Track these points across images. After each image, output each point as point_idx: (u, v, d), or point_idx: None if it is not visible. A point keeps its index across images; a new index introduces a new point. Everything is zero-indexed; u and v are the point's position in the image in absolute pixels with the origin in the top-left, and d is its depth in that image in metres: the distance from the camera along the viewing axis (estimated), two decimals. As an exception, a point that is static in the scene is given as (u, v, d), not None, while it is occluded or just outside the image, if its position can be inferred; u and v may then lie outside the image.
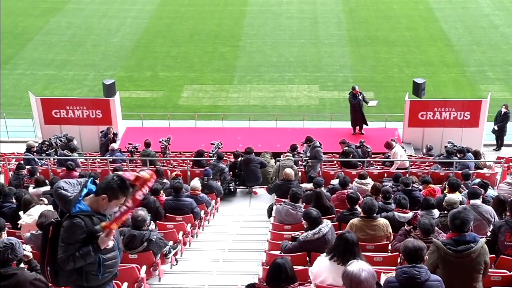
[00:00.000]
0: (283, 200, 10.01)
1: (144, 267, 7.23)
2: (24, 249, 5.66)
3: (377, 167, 15.12)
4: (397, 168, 14.30)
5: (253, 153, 14.25)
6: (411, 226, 7.65)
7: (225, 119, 21.73)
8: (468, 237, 5.79)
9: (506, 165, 14.49)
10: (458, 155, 14.37)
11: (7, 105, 23.27)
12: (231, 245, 9.82)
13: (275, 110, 23.37)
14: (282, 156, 14.27)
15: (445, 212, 8.30)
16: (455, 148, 14.97)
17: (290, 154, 14.29)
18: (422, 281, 5.13)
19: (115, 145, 16.16)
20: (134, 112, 22.36)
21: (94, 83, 25.56)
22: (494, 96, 21.24)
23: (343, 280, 4.70)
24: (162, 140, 16.25)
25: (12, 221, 8.61)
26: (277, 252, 7.70)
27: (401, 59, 28.22)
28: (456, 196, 9.06)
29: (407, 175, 12.72)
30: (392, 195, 9.55)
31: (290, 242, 7.51)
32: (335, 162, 15.50)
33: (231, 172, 14.25)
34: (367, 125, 19.20)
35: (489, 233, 7.62)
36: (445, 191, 10.09)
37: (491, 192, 10.51)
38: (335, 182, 11.90)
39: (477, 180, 11.02)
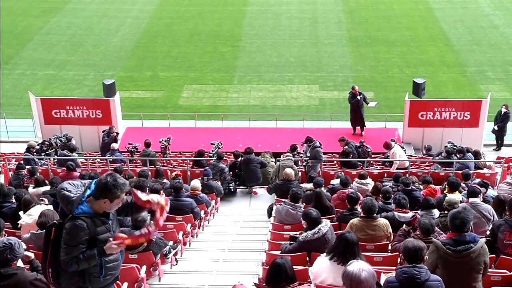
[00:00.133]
0: (283, 200, 10.01)
1: (144, 267, 7.23)
2: (25, 249, 5.66)
3: (377, 167, 15.13)
4: (397, 168, 14.31)
5: (253, 153, 14.25)
6: (410, 227, 7.65)
7: (225, 119, 21.73)
8: (467, 237, 5.79)
9: (506, 165, 14.50)
10: (458, 155, 14.37)
11: (7, 105, 23.27)
12: (231, 245, 9.82)
13: (275, 110, 23.37)
14: (282, 156, 14.28)
15: (445, 212, 8.30)
16: (455, 148, 14.97)
17: (290, 154, 14.29)
18: (422, 281, 5.13)
19: (115, 145, 16.17)
20: (134, 112, 22.36)
21: (94, 83, 25.57)
22: (494, 96, 21.24)
23: (343, 280, 4.70)
24: (162, 140, 16.25)
25: (12, 221, 8.61)
26: (277, 252, 7.70)
27: (401, 59, 28.22)
28: (457, 196, 9.07)
29: (407, 175, 12.73)
30: (392, 195, 9.55)
31: (290, 243, 7.52)
32: (335, 162, 15.50)
33: (231, 172, 14.25)
34: (364, 126, 19.18)
35: (488, 232, 7.63)
36: (445, 191, 10.09)
37: (491, 192, 10.51)
38: (335, 182, 11.91)
39: (477, 180, 11.03)
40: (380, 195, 9.72)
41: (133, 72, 27.26)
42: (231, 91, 25.59)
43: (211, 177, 12.74)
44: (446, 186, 10.26)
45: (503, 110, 18.75)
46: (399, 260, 7.31)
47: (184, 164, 15.16)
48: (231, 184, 13.88)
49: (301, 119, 21.68)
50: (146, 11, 34.92)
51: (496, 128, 18.95)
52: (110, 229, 4.92)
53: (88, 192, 4.85)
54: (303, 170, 14.31)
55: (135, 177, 11.63)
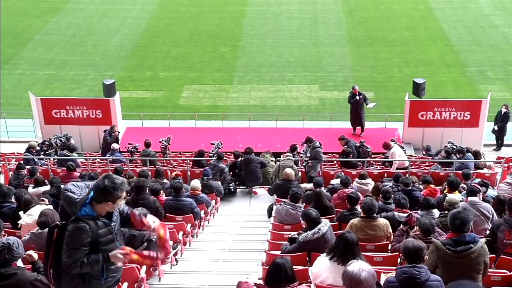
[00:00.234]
0: (283, 200, 10.02)
1: (144, 267, 7.23)
2: (29, 252, 5.66)
3: (377, 167, 15.13)
4: (397, 168, 14.31)
5: (253, 153, 14.26)
6: (408, 226, 7.65)
7: (225, 119, 21.73)
8: (467, 237, 5.79)
9: (506, 165, 14.50)
10: (457, 155, 14.37)
11: (7, 105, 23.27)
12: (231, 245, 9.82)
13: (275, 110, 23.37)
14: (282, 156, 14.28)
15: (446, 212, 8.31)
16: (454, 148, 14.97)
17: (290, 154, 14.29)
18: (422, 281, 5.13)
19: (116, 145, 16.16)
20: (134, 112, 22.36)
21: (94, 83, 25.56)
22: (494, 96, 21.24)
23: (343, 280, 4.71)
24: (162, 140, 16.25)
25: (12, 221, 8.61)
26: (277, 252, 7.70)
27: (401, 59, 28.22)
28: (457, 196, 9.07)
29: (407, 175, 12.73)
30: (392, 195, 9.56)
31: (288, 243, 7.52)
32: (335, 162, 15.51)
33: (231, 172, 14.25)
34: (362, 126, 19.18)
35: (488, 232, 7.64)
36: (445, 191, 10.10)
37: (491, 192, 10.52)
38: (334, 182, 11.92)
39: (477, 180, 11.03)
40: (380, 195, 9.73)
41: (133, 72, 27.26)
42: (231, 91, 25.59)
43: (211, 177, 12.74)
44: (446, 186, 10.27)
45: (503, 110, 18.75)
46: (399, 260, 7.31)
47: (184, 164, 15.16)
48: (231, 184, 13.88)
49: (301, 119, 21.68)
50: (146, 11, 34.92)
51: (496, 128, 18.95)
52: (112, 231, 4.89)
53: (92, 194, 4.84)
54: (303, 170, 14.31)
55: (135, 177, 11.63)
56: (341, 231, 7.34)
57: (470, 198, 8.57)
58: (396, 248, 7.37)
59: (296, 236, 7.45)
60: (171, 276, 8.10)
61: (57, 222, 4.98)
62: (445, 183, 10.77)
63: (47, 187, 10.73)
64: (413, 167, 14.72)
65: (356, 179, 11.95)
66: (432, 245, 5.92)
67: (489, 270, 6.04)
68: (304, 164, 14.52)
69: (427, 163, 15.32)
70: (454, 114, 18.38)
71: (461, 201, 8.85)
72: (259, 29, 32.18)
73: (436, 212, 8.70)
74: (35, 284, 5.19)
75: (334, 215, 9.36)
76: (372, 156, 16.03)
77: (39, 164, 15.03)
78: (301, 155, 15.09)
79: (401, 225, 7.81)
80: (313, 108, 23.92)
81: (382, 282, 5.59)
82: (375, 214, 7.93)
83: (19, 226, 8.08)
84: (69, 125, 18.55)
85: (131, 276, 6.89)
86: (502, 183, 11.93)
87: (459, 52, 28.82)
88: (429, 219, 7.13)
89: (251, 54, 29.15)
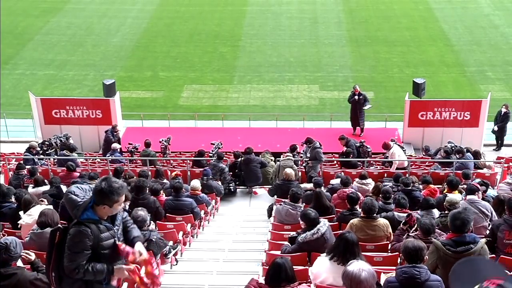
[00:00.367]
0: (283, 200, 10.02)
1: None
2: (25, 252, 5.66)
3: (377, 167, 15.13)
4: (397, 168, 14.31)
5: (253, 153, 14.26)
6: (408, 225, 7.65)
7: (225, 119, 21.72)
8: (467, 238, 5.79)
9: (506, 165, 14.50)
10: (457, 155, 14.37)
11: (7, 105, 23.26)
12: (231, 245, 9.82)
13: (275, 110, 23.37)
14: (282, 156, 14.28)
15: (446, 212, 8.31)
16: (453, 148, 14.97)
17: (290, 154, 14.30)
18: (422, 281, 5.13)
19: (117, 145, 16.15)
20: (134, 112, 22.35)
21: (94, 83, 25.56)
22: (494, 96, 21.23)
23: (343, 280, 4.70)
24: (162, 140, 16.25)
25: (12, 221, 8.61)
26: (277, 252, 7.71)
27: (401, 59, 28.22)
28: (457, 196, 9.07)
29: (407, 175, 12.73)
30: (392, 195, 9.56)
31: (288, 244, 7.52)
32: (335, 162, 15.51)
33: (231, 172, 14.25)
34: (361, 126, 19.18)
35: (487, 231, 7.64)
36: (444, 191, 10.10)
37: (491, 192, 10.52)
38: (334, 182, 11.92)
39: (477, 180, 11.03)
40: (380, 195, 9.73)
41: (133, 72, 27.26)
42: (231, 91, 25.58)
43: (211, 177, 12.74)
44: (446, 186, 10.28)
45: (503, 110, 18.74)
46: (399, 260, 7.31)
47: (184, 164, 15.16)
48: (231, 184, 13.88)
49: (301, 119, 21.68)
50: (146, 11, 34.91)
51: (496, 128, 18.94)
52: (115, 235, 4.84)
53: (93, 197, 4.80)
54: (303, 170, 14.31)
55: (135, 177, 11.64)
56: (341, 231, 7.34)
57: (469, 197, 8.61)
58: (396, 247, 7.37)
59: (296, 235, 7.45)
60: (171, 276, 8.11)
61: (59, 225, 4.95)
62: (445, 183, 10.77)
63: (47, 187, 10.73)
64: (413, 167, 14.72)
65: (357, 179, 11.95)
66: (432, 245, 5.92)
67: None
68: (304, 164, 14.52)
69: (427, 163, 15.32)
70: (454, 114, 18.38)
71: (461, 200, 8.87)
72: (259, 29, 32.18)
73: (436, 212, 8.70)
74: (35, 283, 5.20)
75: (334, 215, 9.36)
76: (372, 156, 16.03)
77: (39, 164, 15.02)
78: (301, 155, 15.10)
79: (401, 225, 7.80)
80: (313, 108, 23.92)
81: (382, 282, 5.59)
82: (375, 214, 7.93)
83: (19, 226, 8.08)
84: (69, 125, 18.55)
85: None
86: (502, 183, 11.94)
87: (459, 52, 28.82)
88: (430, 219, 7.13)
89: (251, 54, 29.15)
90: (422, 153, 17.36)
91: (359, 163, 14.88)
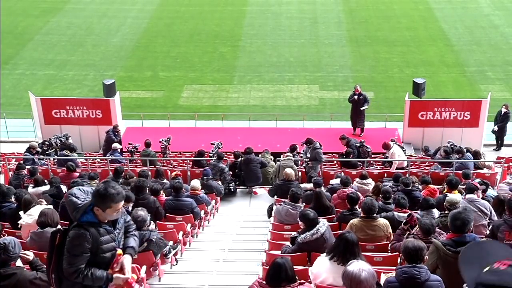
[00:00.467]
0: (283, 200, 10.01)
1: (144, 267, 7.23)
2: (23, 252, 5.65)
3: (377, 167, 15.13)
4: (397, 168, 14.31)
5: (253, 153, 14.26)
6: (408, 225, 7.64)
7: (225, 119, 21.72)
8: (468, 238, 5.79)
9: (506, 165, 14.50)
10: (456, 155, 14.37)
11: (7, 105, 23.26)
12: (231, 245, 9.82)
13: (275, 110, 23.37)
14: (282, 156, 14.27)
15: (446, 212, 8.31)
16: (452, 148, 14.96)
17: (291, 154, 14.30)
18: (422, 281, 5.13)
19: (117, 145, 16.15)
20: (134, 112, 22.35)
21: (94, 83, 25.56)
22: (494, 96, 21.23)
23: (343, 280, 4.70)
24: (162, 140, 16.25)
25: (12, 221, 8.60)
26: (277, 252, 7.71)
27: (401, 59, 28.22)
28: (458, 196, 9.08)
29: (407, 175, 12.72)
30: (392, 195, 9.56)
31: (289, 245, 7.51)
32: (335, 162, 15.51)
33: (231, 172, 14.25)
34: (359, 126, 19.18)
35: (487, 231, 7.64)
36: (444, 191, 10.10)
37: (491, 192, 10.53)
38: (334, 182, 11.92)
39: (477, 180, 11.03)
40: (380, 195, 9.73)
41: (133, 72, 27.26)
42: (231, 91, 25.58)
43: (210, 177, 12.74)
44: (445, 186, 10.28)
45: (503, 110, 18.74)
46: (399, 260, 7.31)
47: (184, 164, 15.16)
48: (231, 184, 13.88)
49: (301, 119, 21.68)
50: (146, 11, 34.91)
51: (496, 128, 18.94)
52: (115, 239, 4.80)
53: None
54: (303, 170, 14.31)
55: (135, 177, 11.64)
56: (341, 231, 7.34)
57: (468, 196, 8.64)
58: (396, 247, 7.36)
59: (297, 235, 7.45)
60: (171, 276, 8.10)
61: (60, 227, 4.94)
62: (445, 183, 10.78)
63: (46, 187, 10.73)
64: (413, 167, 14.72)
65: (357, 179, 11.95)
66: (432, 245, 5.92)
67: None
68: (304, 165, 14.51)
69: (427, 163, 15.32)
70: (454, 114, 18.38)
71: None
72: (259, 29, 32.18)
73: (436, 212, 8.70)
74: (35, 283, 5.20)
75: (334, 215, 9.36)
76: (372, 156, 16.03)
77: (39, 164, 15.02)
78: (301, 155, 15.10)
79: (402, 224, 7.79)
80: (313, 108, 23.92)
81: (382, 282, 5.59)
82: (375, 214, 7.93)
83: (19, 226, 8.08)
84: (69, 125, 18.54)
85: (131, 276, 6.88)
86: (502, 183, 11.95)
87: (459, 52, 28.82)
88: (430, 219, 7.13)
89: (251, 54, 29.15)
90: (422, 153, 17.35)
91: (359, 163, 14.88)
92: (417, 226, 7.26)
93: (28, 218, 7.81)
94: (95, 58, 28.60)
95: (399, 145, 15.67)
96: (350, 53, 28.99)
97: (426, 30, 31.65)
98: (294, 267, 5.52)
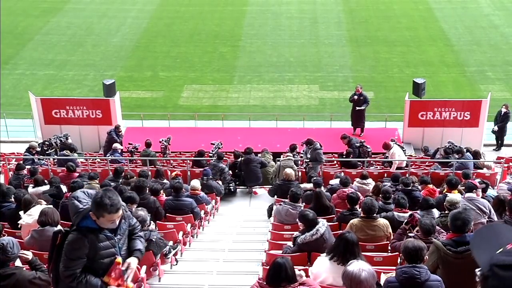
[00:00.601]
0: (283, 200, 10.01)
1: (144, 267, 7.22)
2: (22, 252, 5.64)
3: (377, 167, 15.13)
4: (396, 168, 14.31)
5: (253, 153, 14.25)
6: (409, 225, 7.64)
7: (225, 119, 21.72)
8: (468, 237, 5.78)
9: (506, 165, 14.49)
10: (456, 156, 14.37)
11: (7, 105, 23.26)
12: (231, 245, 9.82)
13: (275, 110, 23.37)
14: (282, 156, 14.27)
15: (446, 212, 8.31)
16: (451, 148, 14.96)
17: (291, 154, 14.30)
18: (422, 281, 5.12)
19: (118, 145, 16.14)
20: (134, 112, 22.35)
21: (94, 83, 25.56)
22: (494, 96, 21.23)
23: (343, 280, 4.70)
24: (162, 140, 16.25)
25: (11, 221, 8.59)
26: (277, 252, 7.71)
27: (401, 59, 28.22)
28: (458, 196, 9.07)
29: (407, 175, 12.72)
30: (392, 195, 9.55)
31: (290, 245, 7.50)
32: (335, 162, 15.50)
33: (231, 172, 14.25)
34: (359, 127, 19.17)
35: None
36: (444, 191, 10.10)
37: (491, 192, 10.52)
38: (333, 182, 11.92)
39: (477, 180, 11.03)
40: (380, 195, 9.73)
41: (133, 72, 27.26)
42: (231, 91, 25.58)
43: (210, 177, 12.74)
44: (445, 186, 10.28)
45: (503, 110, 18.74)
46: (399, 260, 7.31)
47: (184, 164, 15.16)
48: (231, 184, 13.88)
49: (301, 119, 21.68)
50: (146, 11, 34.91)
51: (496, 128, 18.94)
52: (115, 245, 4.76)
53: None
54: (304, 170, 14.31)
55: (135, 177, 11.64)
56: (341, 231, 7.33)
57: (467, 194, 8.64)
58: (396, 246, 7.35)
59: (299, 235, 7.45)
60: (171, 276, 8.10)
61: (61, 229, 4.93)
62: (445, 183, 10.78)
63: (46, 187, 10.73)
64: (413, 167, 14.72)
65: (357, 179, 11.95)
66: (432, 245, 5.91)
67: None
68: (304, 165, 14.51)
69: (427, 163, 15.32)
70: (454, 114, 18.38)
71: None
72: (259, 29, 32.18)
73: (436, 212, 8.70)
74: (34, 282, 5.19)
75: (334, 215, 9.36)
76: (372, 156, 16.03)
77: (39, 164, 15.02)
78: (301, 155, 15.09)
79: (403, 224, 7.77)
80: (313, 108, 23.91)
81: (382, 282, 5.58)
82: (375, 214, 7.92)
83: (19, 226, 8.08)
84: (69, 125, 18.54)
85: (131, 276, 6.88)
86: (502, 183, 11.95)
87: (459, 52, 28.82)
88: (430, 220, 7.13)
89: (251, 54, 29.15)
90: (422, 154, 17.35)
91: (359, 163, 14.88)
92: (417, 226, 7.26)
93: (28, 218, 7.81)
94: (95, 58, 28.60)
95: (399, 145, 15.67)
96: (350, 53, 28.99)
97: (426, 30, 31.65)
98: (294, 267, 5.52)
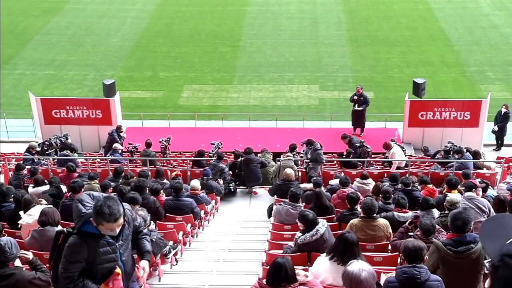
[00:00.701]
0: (283, 200, 10.01)
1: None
2: (22, 252, 5.64)
3: (377, 167, 15.13)
4: (396, 168, 14.31)
5: (253, 153, 14.25)
6: (412, 225, 7.63)
7: (225, 119, 21.72)
8: (468, 237, 5.79)
9: (506, 165, 14.49)
10: (456, 156, 14.37)
11: (7, 105, 23.26)
12: (231, 245, 9.82)
13: (275, 110, 23.36)
14: (282, 156, 14.27)
15: (446, 212, 8.31)
16: (451, 149, 14.95)
17: (291, 154, 14.30)
18: (422, 281, 5.12)
19: (118, 145, 16.13)
20: (134, 112, 22.35)
21: (94, 83, 25.56)
22: (494, 96, 21.22)
23: (343, 280, 4.70)
24: (162, 140, 16.25)
25: (11, 222, 8.58)
26: (277, 252, 7.71)
27: (401, 59, 28.21)
28: (458, 196, 9.08)
29: (407, 175, 12.72)
30: (392, 195, 9.55)
31: (291, 245, 7.50)
32: (335, 162, 15.50)
33: (231, 172, 14.25)
34: (359, 127, 19.18)
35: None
36: (444, 191, 10.10)
37: (491, 192, 10.52)
38: (333, 182, 11.92)
39: (478, 180, 11.03)
40: (380, 195, 9.72)
41: (133, 72, 27.26)
42: (231, 91, 25.58)
43: (210, 177, 12.74)
44: (445, 186, 10.28)
45: (503, 110, 18.74)
46: (399, 260, 7.31)
47: (184, 164, 15.16)
48: (231, 184, 13.88)
49: (301, 119, 21.67)
50: (146, 11, 34.91)
51: (496, 128, 18.94)
52: (116, 251, 4.76)
53: None
54: (304, 170, 14.31)
55: (135, 177, 11.64)
56: (341, 231, 7.33)
57: (467, 193, 8.64)
58: (397, 245, 7.33)
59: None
60: (171, 276, 8.10)
61: (64, 229, 4.94)
62: (444, 183, 10.78)
63: (46, 187, 10.73)
64: (413, 167, 14.72)
65: (357, 179, 11.95)
66: (432, 245, 5.92)
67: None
68: (304, 165, 14.51)
69: (427, 163, 15.32)
70: (454, 114, 18.37)
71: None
72: (259, 29, 32.18)
73: (436, 212, 8.70)
74: (34, 283, 5.19)
75: (334, 215, 9.36)
76: (372, 156, 16.03)
77: (39, 164, 15.01)
78: (301, 155, 15.09)
79: (406, 223, 7.74)
80: (313, 108, 23.91)
81: (382, 282, 5.58)
82: (375, 214, 7.92)
83: (19, 226, 8.08)
84: (69, 125, 18.53)
85: (131, 276, 6.88)
86: (502, 183, 11.94)
87: (459, 52, 28.81)
88: (430, 220, 7.13)
89: (251, 54, 29.15)
90: (421, 154, 17.35)
91: (359, 163, 14.87)
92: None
93: (28, 218, 7.81)
94: (95, 58, 28.60)
95: (399, 145, 15.67)
96: (350, 53, 28.99)
97: (426, 30, 31.65)
98: (294, 267, 5.52)
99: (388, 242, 7.87)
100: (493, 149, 19.14)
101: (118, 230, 4.67)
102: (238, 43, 30.44)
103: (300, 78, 26.61)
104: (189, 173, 14.14)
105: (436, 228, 7.22)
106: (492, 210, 8.40)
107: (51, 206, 8.17)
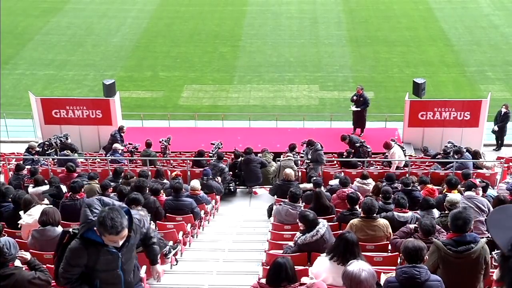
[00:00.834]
0: (283, 200, 10.01)
1: (144, 267, 7.21)
2: (21, 251, 5.64)
3: (377, 167, 15.13)
4: (396, 168, 14.32)
5: (253, 153, 14.25)
6: (415, 227, 7.59)
7: (225, 119, 21.72)
8: (468, 237, 5.78)
9: (506, 165, 14.49)
10: (456, 156, 14.37)
11: (7, 105, 23.26)
12: (231, 245, 9.82)
13: (275, 110, 23.37)
14: (282, 156, 14.27)
15: (446, 212, 8.31)
16: (449, 148, 14.96)
17: (291, 154, 14.30)
18: (422, 281, 5.12)
19: (118, 145, 16.13)
20: (134, 112, 22.35)
21: (94, 83, 25.56)
22: (494, 96, 21.22)
23: (343, 280, 4.70)
24: (162, 140, 16.25)
25: (9, 223, 8.55)
26: (277, 252, 7.70)
27: (401, 59, 28.21)
28: (458, 196, 9.08)
29: (407, 175, 12.72)
30: (392, 195, 9.55)
31: (291, 245, 7.50)
32: (335, 162, 15.50)
33: (231, 172, 14.25)
34: (358, 127, 19.18)
35: (485, 228, 7.66)
36: (444, 191, 10.10)
37: (491, 192, 10.53)
38: (333, 182, 11.91)
39: (477, 180, 11.03)
40: (380, 195, 9.72)
41: (133, 72, 27.26)
42: (231, 91, 25.58)
43: (210, 177, 12.74)
44: (445, 185, 10.28)
45: (503, 110, 18.74)
46: (399, 260, 7.30)
47: (184, 164, 15.16)
48: (231, 184, 13.88)
49: (301, 119, 21.67)
50: (146, 11, 34.92)
51: (496, 128, 18.94)
52: (118, 260, 4.75)
53: None
54: (304, 170, 14.31)
55: (135, 177, 11.63)
56: (341, 231, 7.33)
57: (466, 193, 8.65)
58: (397, 244, 7.30)
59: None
60: (171, 276, 8.10)
61: (69, 230, 4.94)
62: (444, 183, 10.78)
63: (46, 187, 10.73)
64: (413, 167, 14.72)
65: (357, 179, 11.94)
66: (432, 245, 5.91)
67: (490, 270, 6.03)
68: (305, 166, 14.50)
69: (427, 163, 15.32)
70: (454, 114, 18.37)
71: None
72: (259, 29, 32.18)
73: (436, 212, 8.69)
74: (34, 282, 5.19)
75: (334, 215, 9.36)
76: (372, 156, 16.03)
77: (39, 164, 15.01)
78: (302, 155, 15.09)
79: (412, 228, 7.69)
80: (313, 108, 23.91)
81: (382, 282, 5.58)
82: (375, 214, 7.92)
83: (19, 226, 8.07)
84: (69, 125, 18.53)
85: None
86: (502, 183, 11.95)
87: (459, 52, 28.82)
88: (430, 220, 7.12)
89: (251, 54, 29.15)
90: (421, 154, 17.34)
91: (359, 163, 14.87)
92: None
93: (29, 218, 7.80)
94: (95, 58, 28.60)
95: (399, 145, 15.67)
96: (350, 53, 28.99)
97: (426, 30, 31.65)
98: (294, 267, 5.52)
99: (388, 242, 7.87)
100: (493, 149, 19.14)
101: (121, 242, 4.66)
102: (238, 43, 30.44)
103: (300, 78, 26.61)
104: (189, 173, 14.14)
105: (436, 228, 7.22)
106: (491, 209, 8.40)
107: (51, 206, 8.17)
